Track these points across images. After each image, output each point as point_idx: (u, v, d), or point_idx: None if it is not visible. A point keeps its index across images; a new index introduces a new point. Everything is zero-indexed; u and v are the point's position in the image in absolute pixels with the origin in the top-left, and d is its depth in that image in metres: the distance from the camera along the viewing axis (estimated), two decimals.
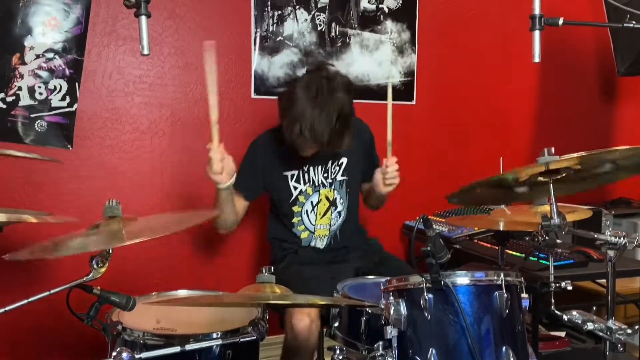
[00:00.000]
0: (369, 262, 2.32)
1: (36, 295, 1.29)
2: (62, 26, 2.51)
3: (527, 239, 2.47)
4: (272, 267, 1.60)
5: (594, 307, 2.62)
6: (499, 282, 1.37)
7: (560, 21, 1.50)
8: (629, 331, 1.56)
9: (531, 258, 2.27)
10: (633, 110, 3.79)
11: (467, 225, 2.68)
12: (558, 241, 1.73)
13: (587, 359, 2.50)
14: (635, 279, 2.53)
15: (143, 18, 1.40)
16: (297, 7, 2.90)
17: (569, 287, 1.88)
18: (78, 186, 2.60)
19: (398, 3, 3.10)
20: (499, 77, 3.41)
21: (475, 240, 2.73)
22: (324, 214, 2.36)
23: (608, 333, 1.58)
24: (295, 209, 2.33)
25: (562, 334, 2.56)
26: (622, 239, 1.55)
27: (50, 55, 2.50)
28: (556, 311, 1.83)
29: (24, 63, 2.46)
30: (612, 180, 1.80)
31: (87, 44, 2.56)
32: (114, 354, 1.29)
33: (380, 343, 1.42)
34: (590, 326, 1.63)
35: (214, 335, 1.52)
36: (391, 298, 1.41)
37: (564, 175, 1.59)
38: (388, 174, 2.21)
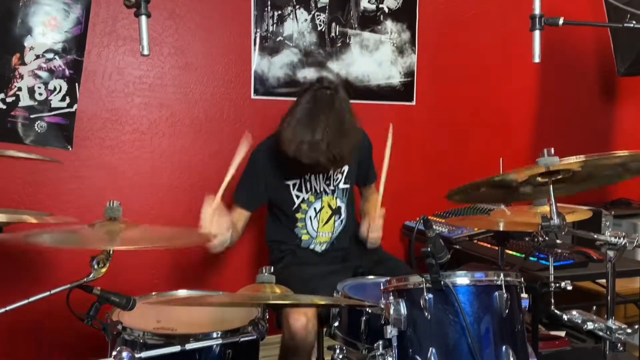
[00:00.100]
0: (368, 262, 2.32)
1: (36, 295, 1.29)
2: (62, 26, 2.51)
3: (527, 239, 2.48)
4: (272, 268, 1.60)
5: (594, 307, 2.62)
6: (498, 283, 1.37)
7: (561, 21, 1.50)
8: (629, 331, 1.56)
9: (531, 258, 2.27)
10: (633, 110, 3.79)
11: (467, 226, 2.69)
12: (558, 241, 1.72)
13: (587, 359, 2.50)
14: (635, 279, 2.53)
15: (143, 18, 1.40)
16: (297, 7, 2.90)
17: (569, 287, 1.88)
18: (78, 186, 2.60)
19: (398, 3, 3.10)
20: (499, 77, 3.41)
21: (475, 241, 2.72)
22: (327, 222, 2.36)
23: (608, 333, 1.58)
24: (299, 215, 2.34)
25: (562, 333, 2.55)
26: (621, 239, 1.55)
27: (50, 55, 2.50)
28: (556, 311, 1.83)
29: (23, 63, 2.46)
30: (613, 182, 1.80)
31: (87, 44, 2.56)
32: (114, 353, 1.29)
33: (380, 343, 1.43)
34: (590, 326, 1.63)
35: (214, 335, 1.53)
36: (391, 298, 1.41)
37: (564, 176, 1.59)
38: (373, 232, 2.26)
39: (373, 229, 2.27)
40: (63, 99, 2.53)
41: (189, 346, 1.44)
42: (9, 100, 2.45)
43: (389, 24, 3.09)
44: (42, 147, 2.51)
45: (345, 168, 2.36)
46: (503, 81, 3.42)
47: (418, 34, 3.15)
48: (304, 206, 2.33)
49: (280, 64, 2.89)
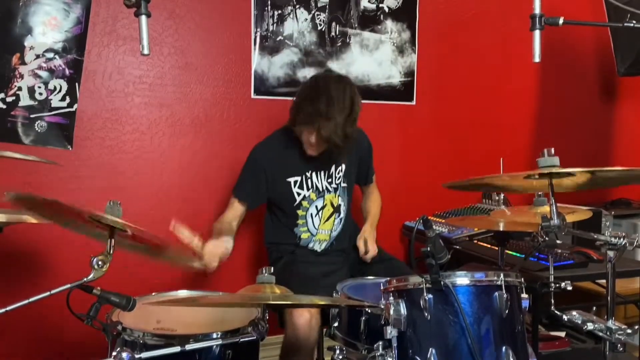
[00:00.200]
0: (368, 262, 2.32)
1: (36, 296, 1.29)
2: (62, 26, 2.51)
3: (527, 239, 2.48)
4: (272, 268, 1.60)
5: (594, 308, 2.62)
6: (498, 283, 1.37)
7: (561, 21, 1.50)
8: (629, 331, 1.56)
9: (531, 258, 2.27)
10: (633, 110, 3.78)
11: (467, 226, 2.68)
12: (558, 242, 1.73)
13: (587, 359, 2.50)
14: (635, 279, 2.53)
15: (143, 18, 1.39)
16: (297, 6, 2.90)
17: (569, 288, 1.88)
18: (78, 186, 2.60)
19: (398, 3, 3.10)
20: (499, 77, 3.40)
21: (475, 241, 2.72)
22: (327, 219, 2.36)
23: (608, 333, 1.58)
24: (300, 212, 2.34)
25: (562, 334, 2.55)
26: (621, 239, 1.55)
27: (50, 55, 2.50)
28: (556, 311, 1.83)
29: (24, 63, 2.46)
30: (615, 185, 1.80)
31: (87, 44, 2.56)
32: (114, 354, 1.29)
33: (380, 343, 1.43)
34: (590, 326, 1.63)
35: (214, 335, 1.53)
36: (391, 298, 1.41)
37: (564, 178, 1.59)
38: (369, 254, 2.30)
39: (369, 249, 2.31)
40: (63, 99, 2.53)
41: (188, 347, 1.44)
42: (9, 99, 2.45)
43: (389, 24, 3.09)
44: (42, 147, 2.51)
45: (343, 166, 2.36)
46: (503, 81, 3.42)
47: (418, 34, 3.15)
48: (304, 204, 2.33)
49: (280, 63, 2.89)
